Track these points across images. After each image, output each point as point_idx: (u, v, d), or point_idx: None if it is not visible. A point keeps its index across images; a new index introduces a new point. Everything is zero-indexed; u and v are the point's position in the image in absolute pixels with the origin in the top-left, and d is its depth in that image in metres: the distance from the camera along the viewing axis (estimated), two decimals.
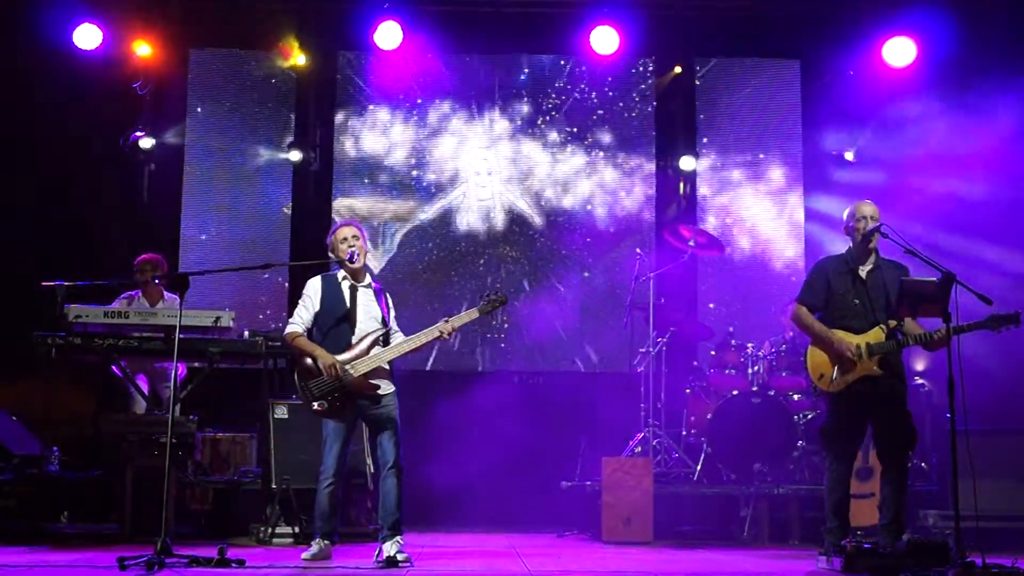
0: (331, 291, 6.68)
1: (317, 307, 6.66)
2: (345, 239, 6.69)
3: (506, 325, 11.18)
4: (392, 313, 6.81)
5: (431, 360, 10.92)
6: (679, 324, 9.66)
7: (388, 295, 6.88)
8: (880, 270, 6.71)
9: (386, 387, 6.55)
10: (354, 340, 6.55)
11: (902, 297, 6.50)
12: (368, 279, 6.78)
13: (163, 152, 11.31)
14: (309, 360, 6.49)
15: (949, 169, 10.40)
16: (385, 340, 6.59)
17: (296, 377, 6.59)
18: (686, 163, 11.36)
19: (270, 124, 11.59)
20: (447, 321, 6.58)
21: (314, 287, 6.73)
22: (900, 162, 10.58)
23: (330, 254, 6.76)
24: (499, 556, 7.15)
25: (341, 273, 6.74)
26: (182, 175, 11.42)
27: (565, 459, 9.52)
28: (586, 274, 11.42)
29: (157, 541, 5.86)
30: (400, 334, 6.77)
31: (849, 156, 11.29)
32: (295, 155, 11.31)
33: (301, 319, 6.67)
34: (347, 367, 6.45)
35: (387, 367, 6.58)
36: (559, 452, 9.74)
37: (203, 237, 11.38)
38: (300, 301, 6.75)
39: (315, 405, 6.48)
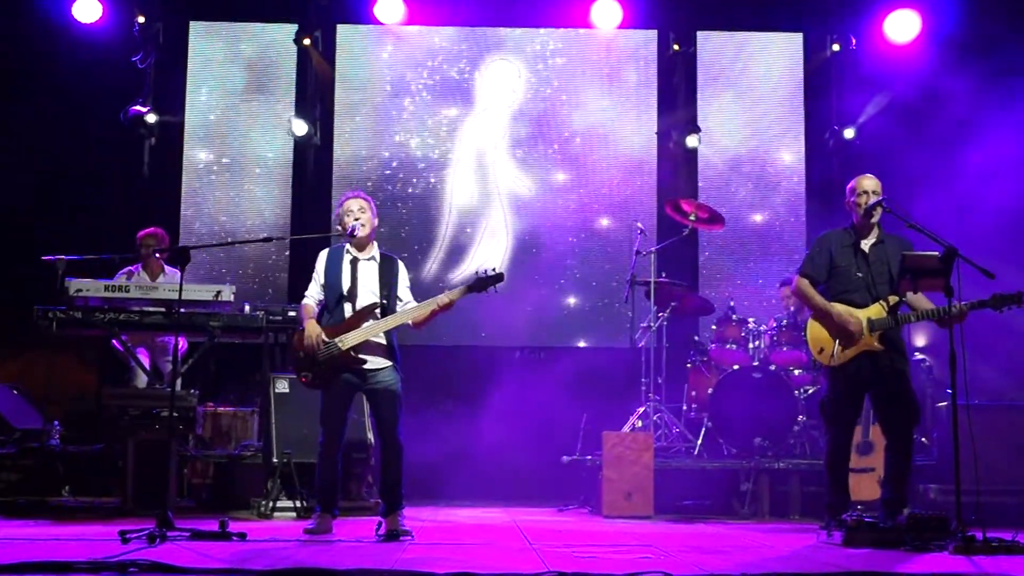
0: (334, 265, 6.64)
1: (323, 281, 6.66)
2: (350, 211, 6.65)
3: (506, 300, 11.15)
4: (403, 284, 6.72)
5: (433, 334, 10.92)
6: (680, 299, 9.65)
7: (401, 265, 6.80)
8: (883, 244, 6.69)
9: (377, 361, 6.49)
10: (349, 313, 6.54)
11: (903, 272, 6.48)
12: (372, 251, 6.71)
13: (163, 126, 11.29)
14: (300, 332, 6.52)
15: (953, 145, 10.37)
16: (382, 313, 6.55)
17: (290, 348, 6.63)
18: (689, 138, 11.31)
19: (271, 97, 11.56)
20: (444, 295, 6.54)
21: (320, 260, 6.72)
22: (903, 137, 10.53)
23: (336, 226, 6.74)
24: (500, 530, 7.16)
25: (347, 246, 6.70)
26: (182, 149, 11.41)
27: (566, 434, 9.52)
28: (587, 248, 11.41)
29: (159, 515, 5.87)
30: (413, 303, 6.72)
31: (849, 134, 11.25)
32: (297, 128, 11.28)
33: (311, 292, 6.70)
34: (336, 340, 6.43)
35: (383, 341, 6.54)
36: (560, 426, 9.74)
37: (204, 211, 11.36)
38: (313, 274, 6.77)
39: (301, 376, 6.53)
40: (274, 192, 11.45)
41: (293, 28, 11.38)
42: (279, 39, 11.54)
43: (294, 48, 11.44)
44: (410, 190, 11.46)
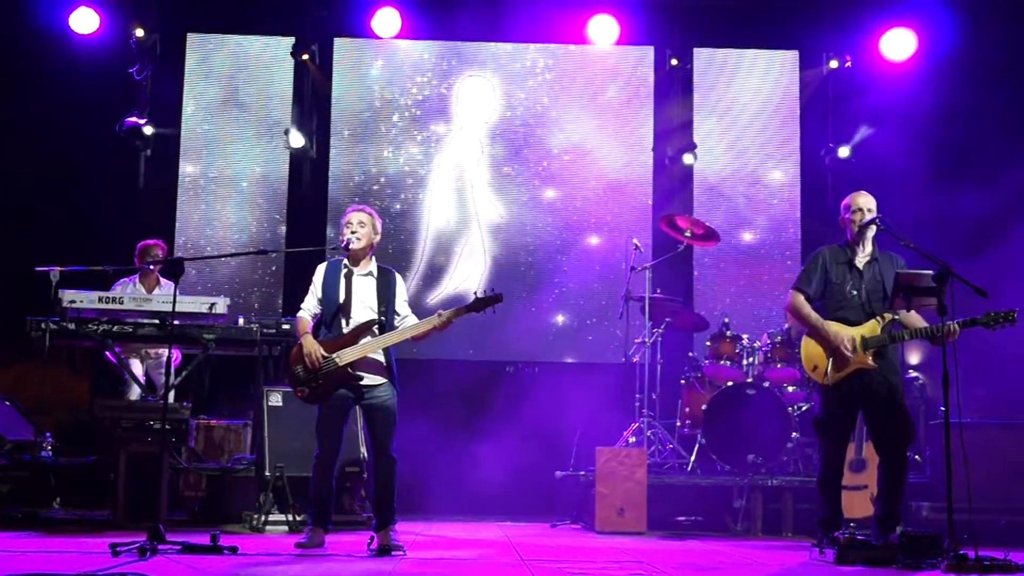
0: (331, 279, 6.64)
1: (320, 294, 6.66)
2: (349, 223, 6.66)
3: (500, 314, 11.13)
4: (402, 297, 6.72)
5: (424, 349, 10.93)
6: (674, 315, 9.66)
7: (398, 278, 6.78)
8: (877, 262, 6.70)
9: (373, 378, 6.49)
10: (347, 329, 6.53)
11: (897, 290, 6.51)
12: (370, 266, 6.70)
13: (159, 137, 11.28)
14: (297, 347, 6.52)
15: (947, 164, 10.40)
16: (380, 329, 6.56)
17: (286, 362, 6.65)
18: (685, 156, 11.33)
19: (268, 109, 11.56)
20: (440, 315, 6.55)
21: (318, 273, 6.72)
22: (898, 155, 10.54)
23: (340, 237, 6.74)
24: (492, 545, 7.15)
25: (345, 260, 6.69)
26: (178, 160, 11.40)
27: (559, 449, 9.52)
28: (582, 264, 11.41)
29: (150, 527, 5.86)
30: (411, 318, 6.70)
31: (844, 152, 11.25)
32: (294, 140, 11.26)
33: (308, 305, 6.68)
34: (333, 356, 6.43)
35: (380, 358, 6.54)
36: (553, 442, 9.74)
37: (198, 223, 11.35)
38: (310, 287, 6.75)
39: (297, 391, 6.52)
40: (269, 206, 11.44)
41: (290, 41, 11.38)
42: (276, 52, 11.54)
43: (291, 61, 11.44)
44: (398, 206, 11.44)
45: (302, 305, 6.72)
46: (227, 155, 11.50)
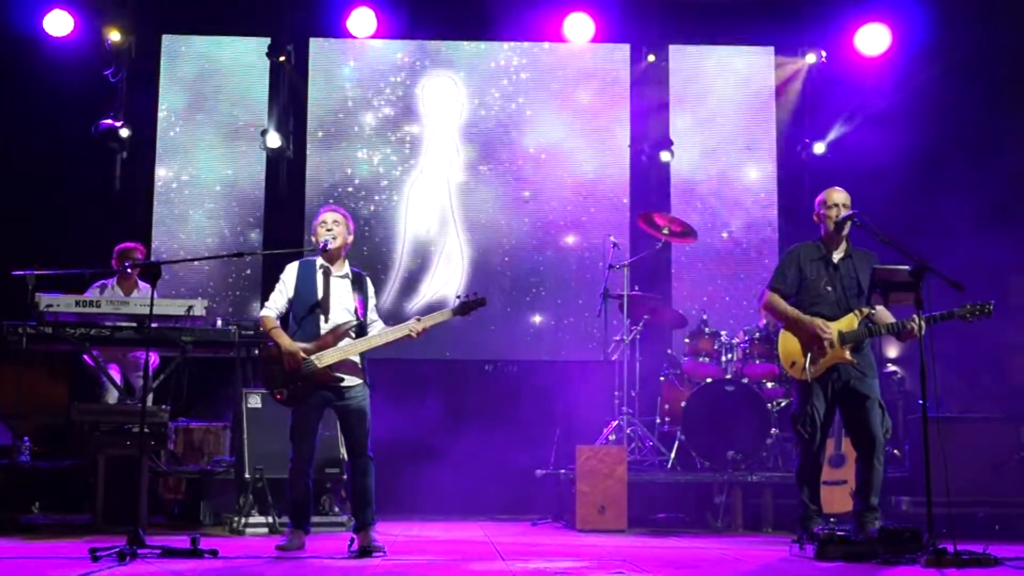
0: (306, 278, 6.60)
1: (291, 293, 6.60)
2: (323, 223, 6.63)
3: (479, 313, 11.11)
4: (372, 302, 6.74)
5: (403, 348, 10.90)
6: (653, 312, 9.67)
7: (370, 283, 6.80)
8: (852, 258, 6.73)
9: (351, 380, 6.48)
10: (324, 330, 6.50)
11: (874, 285, 6.54)
12: (345, 268, 6.69)
13: (135, 139, 11.21)
14: (273, 347, 6.47)
15: (922, 157, 10.45)
16: (358, 332, 6.54)
17: (262, 363, 6.60)
18: (662, 153, 11.33)
19: (243, 111, 11.50)
20: (419, 320, 6.55)
21: (290, 272, 6.66)
22: (873, 150, 10.58)
23: (312, 238, 6.71)
24: (473, 545, 7.16)
25: (319, 260, 6.67)
26: (154, 162, 11.33)
27: (539, 447, 9.52)
28: (559, 262, 11.41)
29: (130, 531, 5.84)
30: (379, 323, 6.71)
31: (820, 148, 11.29)
32: (270, 141, 11.20)
33: (274, 303, 6.60)
34: (312, 357, 6.41)
35: (356, 360, 6.53)
36: (533, 440, 9.74)
37: (175, 225, 11.30)
38: (277, 285, 6.69)
39: (275, 393, 6.48)
40: (244, 209, 11.38)
41: (266, 42, 11.32)
42: (252, 53, 11.48)
43: (266, 62, 11.38)
44: (374, 208, 11.41)
45: (267, 304, 6.64)
46: (203, 157, 11.42)
